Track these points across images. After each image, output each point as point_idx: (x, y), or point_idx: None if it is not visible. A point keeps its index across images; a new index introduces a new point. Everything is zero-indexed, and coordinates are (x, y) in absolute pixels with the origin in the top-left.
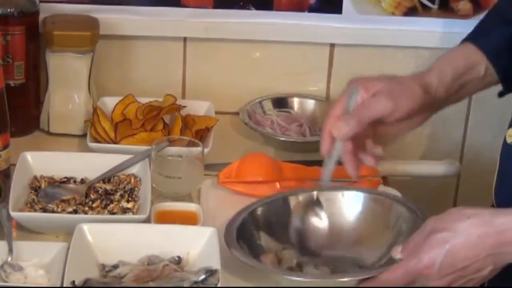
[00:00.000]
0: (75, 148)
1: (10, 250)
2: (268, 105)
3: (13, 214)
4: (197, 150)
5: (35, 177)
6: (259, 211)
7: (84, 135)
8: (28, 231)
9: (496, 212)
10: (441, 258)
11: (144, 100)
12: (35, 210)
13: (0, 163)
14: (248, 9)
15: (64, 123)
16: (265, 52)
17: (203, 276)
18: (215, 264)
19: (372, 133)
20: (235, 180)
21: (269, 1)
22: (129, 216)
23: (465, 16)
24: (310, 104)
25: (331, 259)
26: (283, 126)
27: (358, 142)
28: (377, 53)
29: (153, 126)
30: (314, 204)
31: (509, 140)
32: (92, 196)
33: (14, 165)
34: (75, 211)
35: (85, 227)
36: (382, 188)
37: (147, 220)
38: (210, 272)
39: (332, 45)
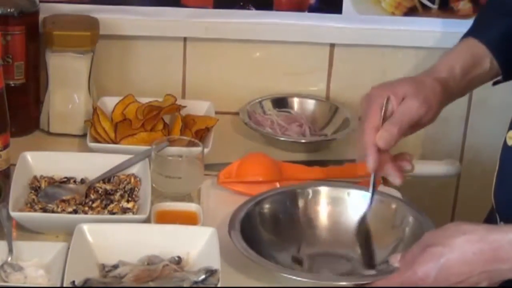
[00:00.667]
0: (75, 148)
1: (10, 250)
2: (268, 105)
3: (13, 214)
4: (197, 150)
5: (35, 177)
6: (265, 203)
7: (84, 135)
8: (28, 231)
9: (491, 228)
10: (435, 271)
11: (144, 100)
12: (35, 210)
13: (0, 163)
14: (248, 9)
15: (64, 123)
16: (265, 52)
17: (203, 276)
18: (215, 264)
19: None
20: (235, 180)
21: (269, 1)
22: (129, 216)
23: (465, 16)
24: (310, 104)
25: (332, 257)
26: (283, 126)
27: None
28: (377, 53)
29: (153, 126)
30: (319, 201)
31: (509, 142)
32: (92, 196)
33: (14, 165)
34: (75, 211)
35: (85, 227)
36: (382, 188)
37: (147, 220)
38: (210, 272)
39: (332, 45)
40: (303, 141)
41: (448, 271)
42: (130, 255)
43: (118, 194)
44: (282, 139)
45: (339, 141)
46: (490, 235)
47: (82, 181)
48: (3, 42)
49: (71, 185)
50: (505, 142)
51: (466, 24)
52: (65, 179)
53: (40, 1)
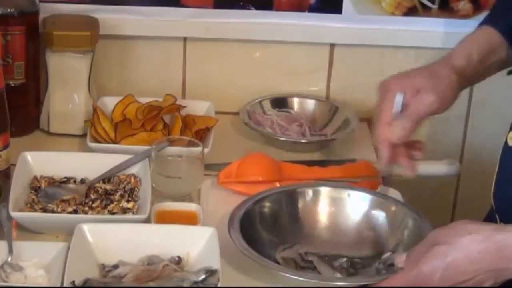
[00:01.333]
0: (75, 148)
1: (10, 250)
2: (268, 105)
3: (13, 214)
4: (197, 150)
5: (35, 177)
6: (264, 202)
7: (84, 135)
8: (28, 231)
9: (497, 228)
10: (441, 270)
11: (144, 100)
12: (35, 210)
13: (0, 163)
14: (248, 9)
15: (64, 123)
16: (265, 52)
17: (203, 276)
18: (215, 264)
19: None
20: (235, 180)
21: (269, 1)
22: (129, 216)
23: (465, 16)
24: (310, 104)
25: (330, 257)
26: (283, 126)
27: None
28: (377, 53)
29: (153, 126)
30: (319, 201)
31: (510, 143)
32: (92, 196)
33: (14, 165)
34: (75, 211)
35: (85, 227)
36: (382, 188)
37: (147, 220)
38: (210, 272)
39: (332, 45)
40: (303, 141)
41: (454, 270)
42: (130, 255)
43: (118, 194)
44: (282, 139)
45: (339, 141)
46: (495, 234)
47: (82, 181)
48: (3, 42)
49: (71, 185)
50: (505, 142)
51: (466, 24)
52: (65, 179)
53: (40, 1)
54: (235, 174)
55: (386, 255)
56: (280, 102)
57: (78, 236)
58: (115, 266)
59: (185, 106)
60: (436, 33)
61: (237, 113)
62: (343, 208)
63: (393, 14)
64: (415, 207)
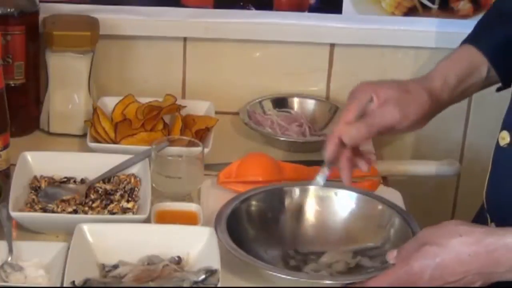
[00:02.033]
0: (75, 148)
1: (10, 250)
2: (268, 105)
3: (13, 214)
4: (197, 150)
5: (35, 177)
6: (251, 201)
7: (84, 135)
8: (28, 231)
9: (488, 231)
10: (431, 269)
11: (144, 100)
12: (35, 210)
13: (0, 163)
14: (248, 9)
15: (64, 123)
16: (265, 52)
17: (203, 276)
18: (215, 264)
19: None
20: (235, 180)
21: (269, 1)
22: (129, 216)
23: (465, 16)
24: (310, 104)
25: (318, 256)
26: (283, 126)
27: (355, 147)
28: (377, 53)
29: (153, 126)
30: (306, 201)
31: (502, 143)
32: (92, 196)
33: (14, 165)
34: (75, 211)
35: (85, 227)
36: (382, 188)
37: (147, 220)
38: (210, 272)
39: (332, 45)
40: (303, 141)
41: (443, 271)
42: (130, 255)
43: (118, 194)
44: (282, 139)
45: None
46: (486, 238)
47: (82, 181)
48: (3, 42)
49: (71, 185)
50: (497, 142)
51: (466, 24)
52: (65, 179)
53: (40, 1)
54: (235, 174)
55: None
56: (280, 102)
57: (78, 236)
58: (115, 266)
59: (185, 106)
60: (436, 33)
61: (237, 113)
62: (331, 207)
63: (393, 14)
64: (415, 207)
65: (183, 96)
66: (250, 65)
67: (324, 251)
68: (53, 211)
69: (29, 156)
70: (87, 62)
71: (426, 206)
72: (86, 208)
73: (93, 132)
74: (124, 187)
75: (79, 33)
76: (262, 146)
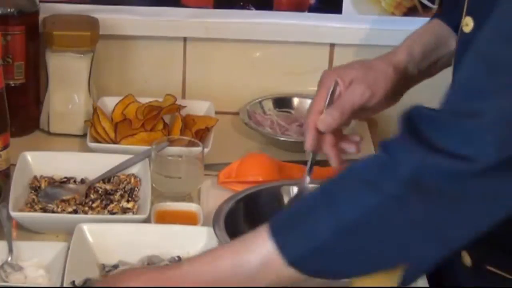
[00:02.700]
0: (75, 148)
1: (10, 250)
2: (268, 105)
3: (13, 214)
4: (197, 150)
5: (35, 177)
6: (249, 200)
7: (84, 135)
8: (28, 231)
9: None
10: None
11: (144, 100)
12: (35, 210)
13: (0, 163)
14: (248, 9)
15: (64, 123)
16: (265, 52)
17: None
18: None
19: (350, 120)
20: (235, 180)
21: (269, 1)
22: (129, 216)
23: None
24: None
25: None
26: (283, 126)
27: (337, 132)
28: (377, 53)
29: (153, 126)
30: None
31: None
32: (92, 196)
33: (14, 165)
34: (75, 211)
35: (85, 227)
36: None
37: (147, 220)
38: None
39: (332, 45)
40: (303, 141)
41: None
42: (130, 255)
43: (118, 194)
44: (282, 139)
45: None
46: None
47: (82, 181)
48: (3, 42)
49: (71, 185)
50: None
51: None
52: (65, 179)
53: (40, 1)
54: (235, 174)
55: None
56: (280, 102)
57: (78, 236)
58: (115, 266)
59: (185, 106)
60: None
61: (237, 113)
62: None
63: (393, 14)
64: None
65: (183, 96)
66: (250, 65)
67: None
68: (53, 211)
69: (29, 156)
70: (87, 62)
71: None
72: (86, 208)
73: (93, 132)
74: (124, 187)
75: (79, 33)
76: (262, 146)
